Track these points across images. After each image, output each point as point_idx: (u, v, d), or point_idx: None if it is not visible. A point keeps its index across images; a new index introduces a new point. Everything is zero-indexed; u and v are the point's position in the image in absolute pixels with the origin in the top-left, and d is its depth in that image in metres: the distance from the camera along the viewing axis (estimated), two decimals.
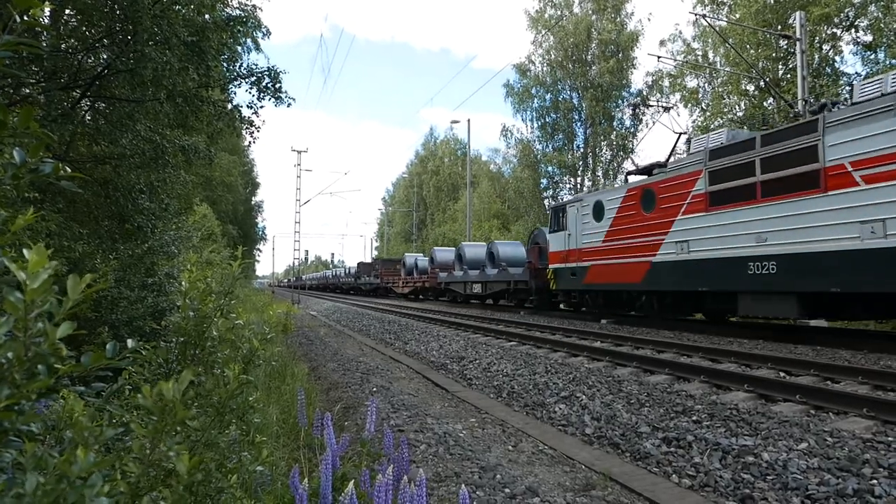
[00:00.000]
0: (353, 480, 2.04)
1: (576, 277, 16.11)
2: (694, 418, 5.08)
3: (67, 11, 6.94)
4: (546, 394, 6.42)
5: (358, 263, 49.03)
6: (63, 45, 6.99)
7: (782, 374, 6.81)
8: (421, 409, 5.57)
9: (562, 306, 19.59)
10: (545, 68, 38.31)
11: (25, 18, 1.22)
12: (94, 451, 0.98)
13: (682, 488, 3.75)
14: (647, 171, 14.46)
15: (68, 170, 1.21)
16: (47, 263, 0.81)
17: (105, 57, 7.25)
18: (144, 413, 1.11)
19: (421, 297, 33.33)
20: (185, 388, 1.07)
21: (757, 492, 3.55)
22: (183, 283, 1.93)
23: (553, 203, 17.68)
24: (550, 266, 17.72)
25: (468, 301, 26.58)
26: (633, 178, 15.03)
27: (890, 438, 4.30)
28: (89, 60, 7.40)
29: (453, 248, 31.47)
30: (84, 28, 7.19)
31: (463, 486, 1.88)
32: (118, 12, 6.54)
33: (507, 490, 3.52)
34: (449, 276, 26.95)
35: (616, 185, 15.38)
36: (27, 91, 6.67)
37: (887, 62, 21.61)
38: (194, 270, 1.96)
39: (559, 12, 37.89)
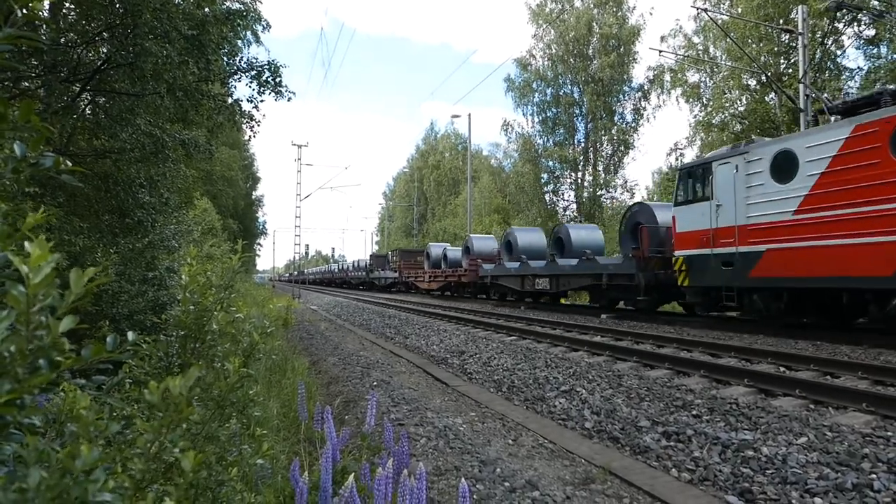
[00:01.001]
0: (353, 474, 2.05)
1: (733, 268, 11.02)
2: (694, 413, 5.09)
3: (67, 5, 6.93)
4: (546, 388, 6.43)
5: (371, 255, 44.57)
6: (63, 39, 6.98)
7: (782, 368, 6.83)
8: (421, 403, 5.58)
9: (682, 307, 14.03)
10: (546, 62, 38.27)
11: (25, 12, 1.22)
12: (97, 445, 0.99)
13: (682, 482, 3.76)
14: (865, 104, 9.67)
15: (69, 164, 1.21)
16: (49, 257, 0.81)
17: (105, 50, 7.23)
18: (145, 407, 1.12)
19: (453, 294, 27.45)
20: (192, 385, 1.07)
21: (756, 486, 3.56)
22: (183, 276, 1.93)
23: (684, 163, 12.79)
24: (679, 253, 12.41)
25: (522, 299, 20.62)
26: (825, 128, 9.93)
27: (889, 433, 4.31)
28: (89, 54, 7.39)
29: (491, 236, 27.35)
30: (84, 21, 7.17)
31: (463, 479, 1.89)
32: (118, 6, 6.52)
33: (506, 484, 3.53)
34: (497, 269, 21.21)
35: (819, 127, 10.39)
36: (27, 84, 6.66)
37: (890, 56, 21.54)
38: (194, 264, 1.96)
39: (560, 6, 37.77)
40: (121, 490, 0.93)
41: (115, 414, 1.61)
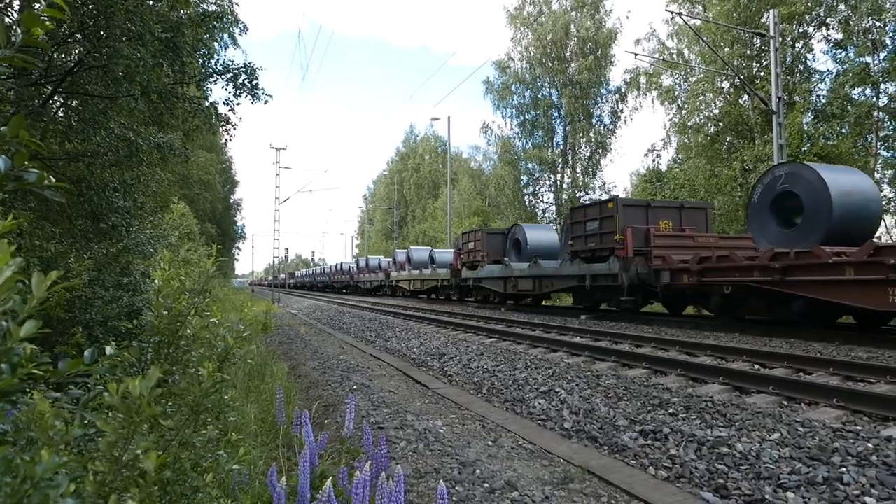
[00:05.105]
0: (331, 478, 2.05)
1: None
2: (670, 411, 5.16)
3: (38, 5, 6.79)
4: (526, 389, 6.46)
5: (466, 233, 23.45)
6: None
7: (756, 366, 6.95)
8: (401, 407, 5.57)
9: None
10: (524, 65, 38.45)
11: (23, 35, 1.21)
12: (60, 451, 0.97)
13: (659, 480, 3.81)
14: None
15: (52, 179, 1.20)
16: (11, 261, 0.80)
17: (77, 52, 7.10)
18: (110, 410, 1.10)
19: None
20: (154, 386, 1.06)
21: (731, 481, 3.62)
22: (156, 281, 1.91)
23: None
24: None
25: None
26: None
27: (859, 427, 4.42)
28: (61, 56, 7.24)
29: None
30: (55, 22, 7.04)
31: (441, 482, 1.89)
32: (90, 6, 6.41)
33: (486, 485, 3.54)
34: None
35: None
36: None
37: (857, 60, 22.07)
38: (168, 268, 1.94)
39: (538, 9, 38.03)
40: (84, 495, 0.92)
41: (86, 423, 1.59)
